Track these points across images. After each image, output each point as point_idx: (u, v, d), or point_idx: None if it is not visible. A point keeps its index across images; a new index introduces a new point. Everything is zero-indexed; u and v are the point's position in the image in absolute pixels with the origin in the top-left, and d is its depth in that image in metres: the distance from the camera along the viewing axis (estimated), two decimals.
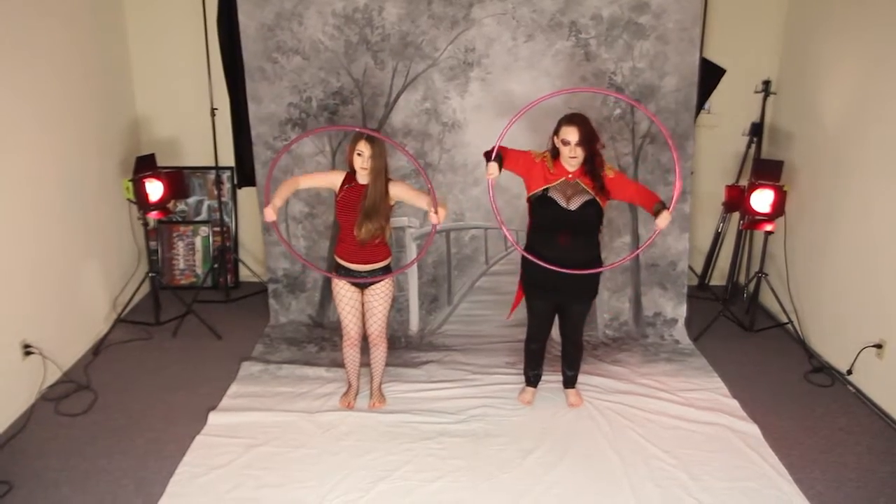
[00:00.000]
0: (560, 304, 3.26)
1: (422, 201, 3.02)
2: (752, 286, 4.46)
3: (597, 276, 3.23)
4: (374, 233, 3.03)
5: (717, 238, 4.88)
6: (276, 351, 4.00)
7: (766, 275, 4.34)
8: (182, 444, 3.04)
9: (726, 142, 4.71)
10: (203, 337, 4.14)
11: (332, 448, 3.04)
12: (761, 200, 4.05)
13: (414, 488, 2.78)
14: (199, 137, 4.60)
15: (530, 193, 3.07)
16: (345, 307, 3.24)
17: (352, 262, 3.13)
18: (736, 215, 4.72)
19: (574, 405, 3.42)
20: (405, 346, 4.08)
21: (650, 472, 2.90)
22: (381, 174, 3.00)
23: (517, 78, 3.99)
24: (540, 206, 3.04)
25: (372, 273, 3.16)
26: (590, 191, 3.00)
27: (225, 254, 4.82)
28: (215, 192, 4.79)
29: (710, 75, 4.42)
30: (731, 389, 3.61)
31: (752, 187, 4.09)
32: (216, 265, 4.83)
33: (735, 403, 3.46)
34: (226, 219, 4.85)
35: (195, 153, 4.73)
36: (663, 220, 2.95)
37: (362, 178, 3.04)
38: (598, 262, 3.21)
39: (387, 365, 3.44)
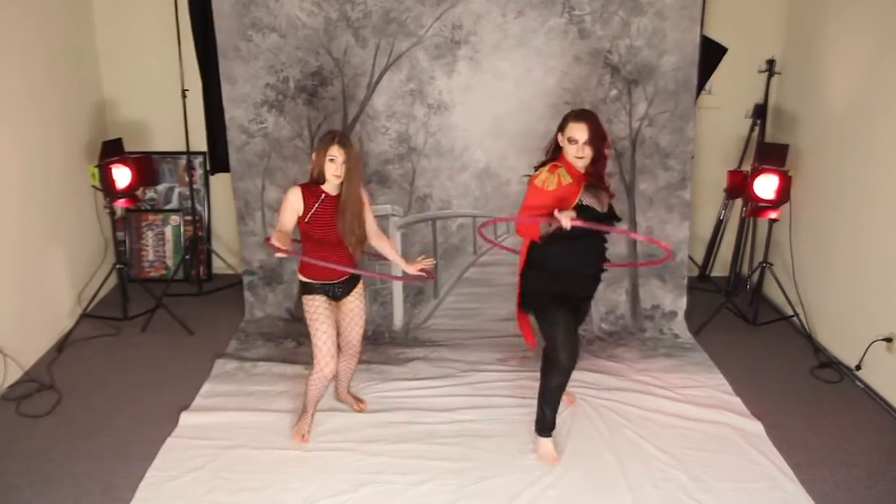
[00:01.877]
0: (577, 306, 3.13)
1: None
2: (755, 277, 4.46)
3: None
4: (362, 236, 2.87)
5: (719, 226, 4.85)
6: (252, 347, 3.96)
7: (771, 265, 4.31)
8: (152, 446, 3.00)
9: (728, 124, 4.68)
10: (174, 333, 4.10)
11: (312, 450, 3.01)
12: (765, 186, 4.02)
13: (400, 492, 2.76)
14: (170, 120, 4.55)
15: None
16: (327, 329, 2.88)
17: (333, 278, 2.90)
18: (739, 202, 4.70)
19: (569, 403, 3.35)
20: (389, 342, 4.03)
21: (648, 474, 2.88)
22: (357, 178, 2.79)
23: (507, 57, 3.93)
24: (580, 215, 2.83)
25: (346, 281, 2.95)
26: (603, 189, 2.91)
27: (197, 244, 4.77)
28: (186, 179, 4.73)
29: (712, 54, 4.40)
30: (733, 386, 3.59)
31: (756, 172, 4.06)
32: (188, 256, 4.77)
33: (738, 401, 3.44)
34: (198, 207, 4.80)
35: (165, 137, 4.68)
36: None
37: (333, 188, 2.81)
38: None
39: (370, 363, 3.38)
